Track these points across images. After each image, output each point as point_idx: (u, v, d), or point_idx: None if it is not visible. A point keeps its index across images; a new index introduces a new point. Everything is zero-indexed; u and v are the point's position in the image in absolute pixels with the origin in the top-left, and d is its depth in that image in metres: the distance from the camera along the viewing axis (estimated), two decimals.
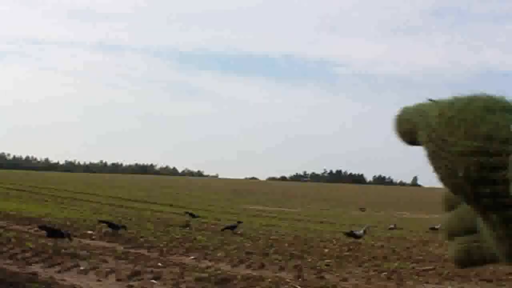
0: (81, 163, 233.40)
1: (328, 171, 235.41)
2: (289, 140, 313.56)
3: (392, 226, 27.85)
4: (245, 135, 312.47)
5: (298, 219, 32.16)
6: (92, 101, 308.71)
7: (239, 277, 9.89)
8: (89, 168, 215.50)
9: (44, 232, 12.88)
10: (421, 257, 15.64)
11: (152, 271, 10.18)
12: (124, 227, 16.37)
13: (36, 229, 14.14)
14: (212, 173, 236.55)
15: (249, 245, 16.08)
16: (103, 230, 16.38)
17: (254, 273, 11.06)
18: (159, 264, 11.19)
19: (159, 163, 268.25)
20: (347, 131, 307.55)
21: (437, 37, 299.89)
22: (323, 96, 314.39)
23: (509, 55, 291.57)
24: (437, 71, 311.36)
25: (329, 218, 36.45)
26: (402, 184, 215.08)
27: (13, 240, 13.19)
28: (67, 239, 12.15)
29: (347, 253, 15.44)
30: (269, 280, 9.69)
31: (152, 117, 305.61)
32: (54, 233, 12.18)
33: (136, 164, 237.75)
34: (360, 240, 18.78)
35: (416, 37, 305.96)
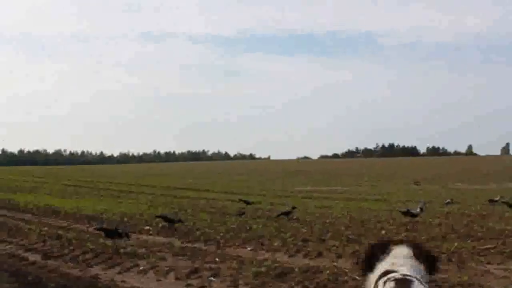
0: (135, 154, 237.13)
1: (380, 146, 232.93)
2: (340, 117, 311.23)
3: (448, 200, 27.36)
4: (296, 115, 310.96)
5: (352, 198, 31.95)
6: (142, 94, 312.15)
7: (297, 270, 9.86)
8: (143, 159, 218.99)
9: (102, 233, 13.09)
10: (481, 234, 15.31)
11: (210, 268, 10.25)
12: (180, 221, 16.54)
13: (95, 227, 14.38)
14: (264, 155, 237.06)
15: (304, 231, 16.05)
16: (160, 225, 16.58)
17: (312, 263, 11.03)
18: (217, 259, 11.27)
19: (211, 149, 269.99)
20: (397, 103, 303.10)
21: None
22: (370, 69, 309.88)
23: None
24: (486, 35, 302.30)
25: (383, 195, 36.09)
26: (457, 154, 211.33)
27: (73, 241, 13.50)
28: (125, 238, 12.34)
29: (405, 234, 15.23)
30: (327, 272, 9.61)
31: (199, 103, 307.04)
32: (111, 233, 12.38)
33: (189, 152, 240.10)
34: (417, 219, 18.52)
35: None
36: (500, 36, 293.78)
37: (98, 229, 13.22)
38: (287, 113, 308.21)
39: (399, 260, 4.58)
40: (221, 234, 15.34)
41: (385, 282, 4.31)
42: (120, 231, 12.52)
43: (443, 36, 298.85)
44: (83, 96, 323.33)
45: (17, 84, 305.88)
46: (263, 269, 10.01)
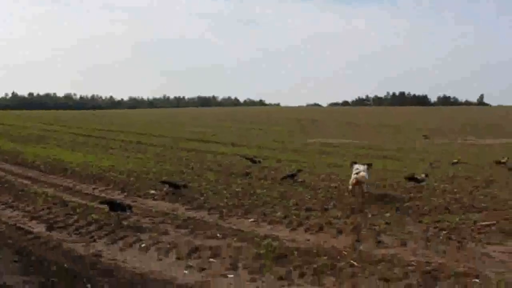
0: (145, 98, 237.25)
1: (391, 94, 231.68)
2: (351, 63, 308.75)
3: (455, 160, 27.30)
4: (306, 60, 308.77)
5: (361, 154, 31.94)
6: (149, 37, 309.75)
7: (296, 253, 9.94)
8: (153, 104, 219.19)
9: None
10: (484, 204, 15.34)
11: (210, 247, 10.35)
12: (185, 186, 16.63)
13: (99, 201, 14.38)
14: (274, 101, 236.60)
15: (308, 198, 16.11)
16: (165, 189, 16.69)
17: (313, 239, 11.14)
18: (218, 234, 11.37)
19: (221, 95, 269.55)
20: (409, 51, 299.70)
21: None
22: (383, 16, 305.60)
23: None
24: None
25: (391, 151, 36.13)
26: (468, 103, 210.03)
27: (78, 210, 13.65)
28: (128, 212, 12.45)
29: (408, 203, 15.27)
30: (325, 257, 9.69)
31: (209, 48, 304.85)
32: (116, 207, 12.49)
33: (199, 97, 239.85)
34: (422, 183, 18.56)
35: None
36: None
37: (102, 202, 13.33)
38: (297, 59, 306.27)
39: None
40: (225, 200, 15.46)
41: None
42: (124, 204, 12.63)
43: None
44: (91, 37, 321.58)
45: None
46: (262, 250, 10.10)
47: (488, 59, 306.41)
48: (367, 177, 16.09)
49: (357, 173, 16.14)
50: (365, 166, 16.75)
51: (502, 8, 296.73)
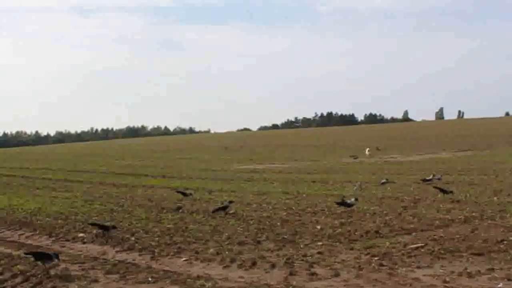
0: (72, 132, 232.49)
1: (319, 114, 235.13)
2: (278, 86, 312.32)
3: (384, 180, 27.83)
4: (234, 84, 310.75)
5: (290, 180, 32.13)
6: (77, 69, 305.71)
7: None
8: (81, 137, 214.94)
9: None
10: (413, 225, 15.70)
11: None
12: (114, 227, 16.27)
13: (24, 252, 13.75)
14: (203, 128, 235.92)
15: (241, 230, 16.06)
16: (95, 232, 16.30)
17: (246, 276, 11.06)
18: (150, 278, 11.12)
19: (150, 124, 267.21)
20: (334, 71, 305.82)
21: None
22: (306, 36, 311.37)
23: None
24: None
25: (321, 173, 36.51)
26: (393, 120, 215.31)
27: (2, 261, 13.10)
28: (56, 261, 12.03)
29: (339, 230, 15.43)
30: None
31: (136, 76, 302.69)
32: (41, 256, 12.05)
33: (127, 127, 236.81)
34: (353, 207, 18.83)
35: None
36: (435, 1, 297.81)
37: (26, 254, 12.83)
38: (225, 83, 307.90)
39: None
40: (157, 238, 15.23)
41: None
42: (50, 253, 12.20)
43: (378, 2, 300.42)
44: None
45: None
46: None
47: (411, 76, 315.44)
48: None
49: None
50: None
51: (420, 25, 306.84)
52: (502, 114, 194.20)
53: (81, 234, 16.38)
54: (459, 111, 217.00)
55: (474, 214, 17.25)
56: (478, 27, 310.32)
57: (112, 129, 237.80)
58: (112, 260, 13.01)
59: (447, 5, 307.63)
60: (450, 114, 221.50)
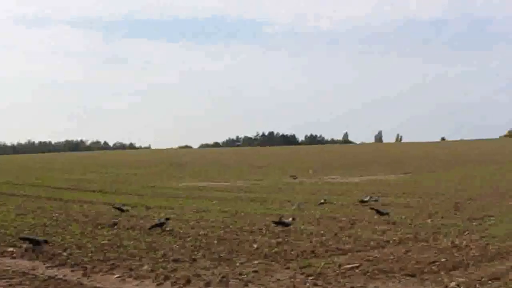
0: (8, 144, 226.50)
1: (261, 134, 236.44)
2: (220, 104, 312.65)
3: (322, 201, 28.06)
4: (177, 101, 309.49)
5: (229, 199, 32.01)
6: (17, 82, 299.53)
7: None
8: (17, 149, 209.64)
9: None
10: (349, 246, 15.84)
11: None
12: (46, 241, 15.84)
13: None
14: (144, 144, 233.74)
15: (177, 247, 15.90)
16: (25, 246, 15.83)
17: None
18: None
19: (90, 138, 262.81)
20: (278, 90, 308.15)
21: None
22: (254, 55, 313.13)
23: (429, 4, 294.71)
24: (363, 23, 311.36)
25: (261, 192, 36.48)
26: (333, 141, 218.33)
27: None
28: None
29: (276, 249, 15.43)
30: None
31: (74, 88, 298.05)
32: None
33: (66, 141, 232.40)
34: (290, 227, 18.89)
35: None
36: (375, 26, 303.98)
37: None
38: (167, 100, 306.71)
39: None
40: (90, 254, 14.90)
41: None
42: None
43: (323, 25, 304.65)
44: None
45: None
46: None
47: (352, 99, 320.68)
48: None
49: None
50: None
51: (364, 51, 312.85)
52: (438, 139, 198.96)
53: (10, 249, 15.88)
54: (397, 135, 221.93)
55: (408, 235, 17.54)
56: (418, 58, 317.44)
57: (50, 142, 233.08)
58: (42, 276, 12.65)
59: (392, 32, 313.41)
60: (388, 138, 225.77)
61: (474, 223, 20.33)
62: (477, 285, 11.40)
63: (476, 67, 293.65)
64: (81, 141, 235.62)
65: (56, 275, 12.67)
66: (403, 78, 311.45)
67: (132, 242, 16.74)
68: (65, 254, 15.01)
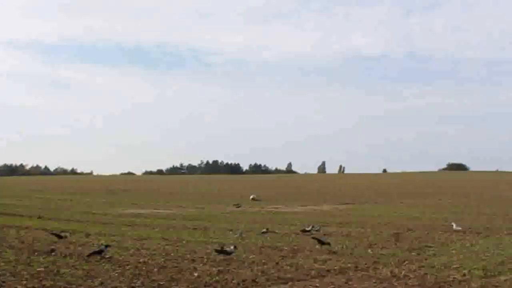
0: None
1: (205, 162, 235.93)
2: (164, 132, 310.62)
3: (264, 230, 28.07)
4: (120, 128, 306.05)
5: (171, 226, 31.70)
6: None
7: None
8: None
9: None
10: (290, 274, 15.85)
11: None
12: None
13: None
14: (86, 170, 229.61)
15: (116, 275, 15.59)
16: None
17: None
18: None
19: (30, 162, 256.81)
20: (221, 120, 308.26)
21: (307, 22, 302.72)
22: (196, 84, 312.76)
23: (373, 38, 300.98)
24: (308, 55, 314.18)
25: (203, 220, 36.25)
26: (277, 171, 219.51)
27: None
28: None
29: (216, 278, 15.29)
30: None
31: (14, 111, 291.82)
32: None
33: (5, 165, 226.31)
34: (232, 255, 18.80)
35: (287, 21, 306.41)
36: (320, 58, 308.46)
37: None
38: (110, 126, 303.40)
39: None
40: (24, 282, 14.44)
41: None
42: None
43: (269, 55, 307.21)
44: None
45: None
46: None
47: (297, 130, 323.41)
48: None
49: None
50: None
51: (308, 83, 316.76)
52: (380, 171, 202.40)
53: None
54: (340, 166, 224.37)
55: (349, 265, 17.67)
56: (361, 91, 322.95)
57: None
58: None
59: (339, 66, 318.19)
60: (331, 169, 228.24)
61: (413, 253, 20.69)
62: None
63: (419, 101, 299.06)
64: (21, 165, 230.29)
65: None
66: (346, 111, 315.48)
67: (69, 270, 16.31)
68: None
